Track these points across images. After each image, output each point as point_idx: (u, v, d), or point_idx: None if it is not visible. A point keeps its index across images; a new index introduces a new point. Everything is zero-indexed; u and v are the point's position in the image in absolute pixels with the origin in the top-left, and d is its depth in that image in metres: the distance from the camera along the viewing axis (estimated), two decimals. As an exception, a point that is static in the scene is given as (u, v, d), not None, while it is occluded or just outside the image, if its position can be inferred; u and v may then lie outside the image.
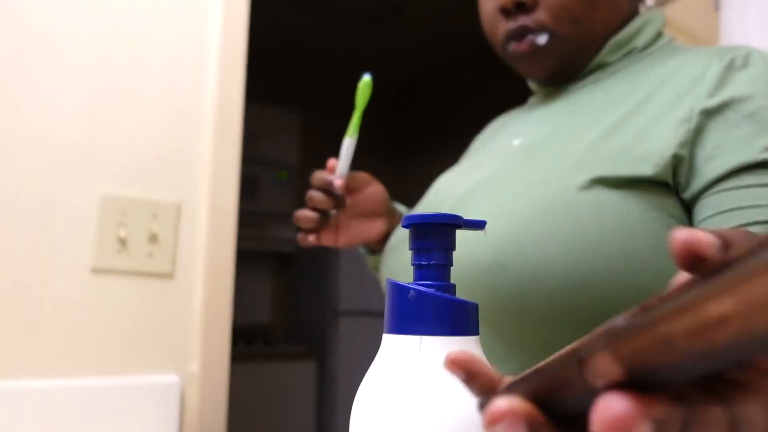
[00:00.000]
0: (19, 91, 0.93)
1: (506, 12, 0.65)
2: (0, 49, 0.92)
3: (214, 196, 1.05)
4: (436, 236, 0.32)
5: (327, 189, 0.68)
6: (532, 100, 0.78)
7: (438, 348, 0.30)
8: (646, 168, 0.53)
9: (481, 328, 0.56)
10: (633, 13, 0.69)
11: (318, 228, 0.70)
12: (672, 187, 0.54)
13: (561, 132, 0.61)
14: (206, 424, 1.00)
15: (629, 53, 0.67)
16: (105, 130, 0.99)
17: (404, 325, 0.30)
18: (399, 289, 0.31)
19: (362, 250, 0.85)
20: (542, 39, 0.64)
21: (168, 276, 1.01)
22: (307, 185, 0.97)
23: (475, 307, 0.31)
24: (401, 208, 0.84)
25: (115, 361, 0.95)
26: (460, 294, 0.55)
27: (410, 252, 0.33)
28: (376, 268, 0.83)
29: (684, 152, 0.53)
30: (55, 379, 0.90)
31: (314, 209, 0.70)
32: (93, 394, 0.91)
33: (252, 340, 2.99)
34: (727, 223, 0.50)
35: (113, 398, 0.92)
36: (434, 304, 0.30)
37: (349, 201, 0.71)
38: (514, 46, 0.66)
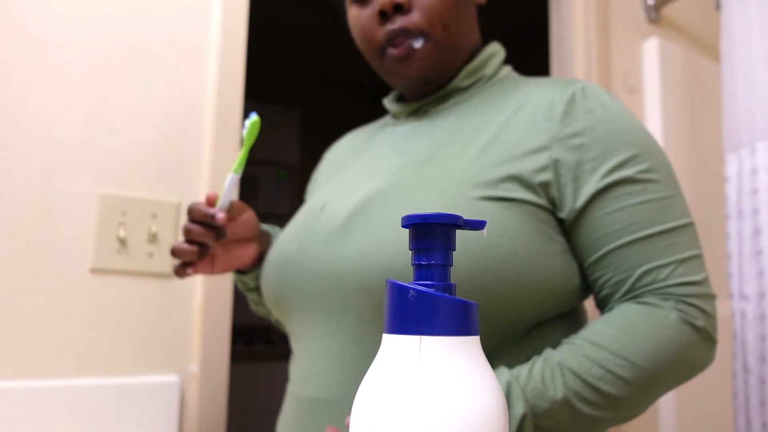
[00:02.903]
0: (19, 91, 0.93)
1: (384, 15, 0.71)
2: (0, 49, 0.92)
3: (214, 196, 1.05)
4: (436, 236, 0.32)
5: (207, 222, 0.70)
6: (387, 119, 0.85)
7: (438, 348, 0.30)
8: (519, 193, 0.63)
9: (372, 328, 0.63)
10: (480, 44, 0.80)
11: (195, 260, 0.71)
12: (545, 204, 0.64)
13: (444, 149, 0.68)
14: (206, 424, 1.00)
15: (478, 81, 0.76)
16: (105, 130, 0.99)
17: (404, 325, 0.30)
18: (399, 289, 0.31)
19: (235, 273, 0.87)
20: (418, 42, 0.70)
21: (168, 276, 1.01)
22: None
23: (475, 306, 0.31)
24: (270, 229, 0.87)
25: (115, 361, 0.95)
26: (369, 298, 0.62)
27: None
28: (248, 287, 0.86)
29: (548, 177, 0.64)
30: (55, 379, 0.90)
31: (192, 242, 0.71)
32: (93, 394, 0.91)
33: (252, 340, 2.99)
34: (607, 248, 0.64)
35: (113, 398, 0.92)
36: (434, 304, 0.30)
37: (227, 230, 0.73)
38: (391, 51, 0.71)
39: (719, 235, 1.60)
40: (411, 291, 0.30)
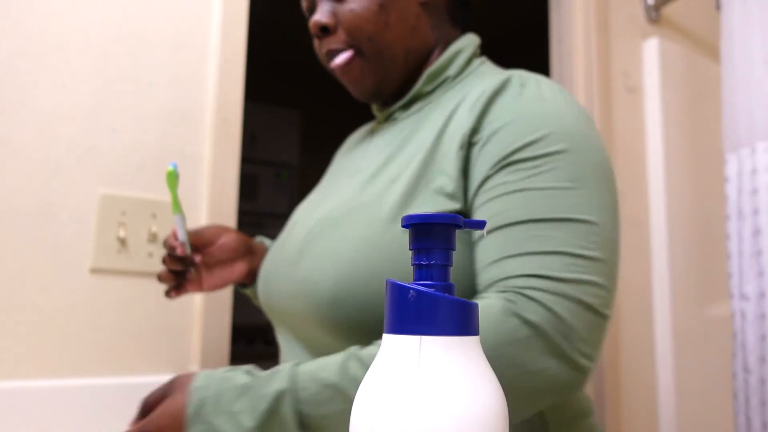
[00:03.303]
0: (19, 91, 0.93)
1: (318, 37, 0.75)
2: (0, 49, 0.92)
3: (214, 196, 1.05)
4: (436, 236, 0.32)
5: (172, 254, 0.77)
6: (375, 122, 0.86)
7: (438, 348, 0.30)
8: (447, 206, 0.61)
9: (293, 340, 0.67)
10: (446, 42, 0.77)
11: (179, 283, 0.79)
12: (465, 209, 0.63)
13: (386, 168, 0.69)
14: (206, 424, 1.00)
15: (443, 82, 0.74)
16: (105, 130, 0.99)
17: (404, 325, 0.30)
18: (399, 289, 0.31)
19: (238, 288, 0.93)
20: (346, 56, 0.72)
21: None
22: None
23: (475, 306, 0.31)
24: (268, 243, 0.92)
25: (115, 361, 0.95)
26: (299, 321, 0.64)
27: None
28: (254, 298, 0.92)
29: (467, 174, 0.62)
30: (55, 379, 0.90)
31: (171, 270, 0.78)
32: (93, 394, 0.91)
33: (252, 340, 2.99)
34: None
35: (113, 398, 0.92)
36: (434, 304, 0.30)
37: (205, 254, 0.80)
38: (330, 66, 0.75)
39: (719, 235, 1.60)
40: (411, 291, 0.30)
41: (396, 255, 0.60)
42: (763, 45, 1.28)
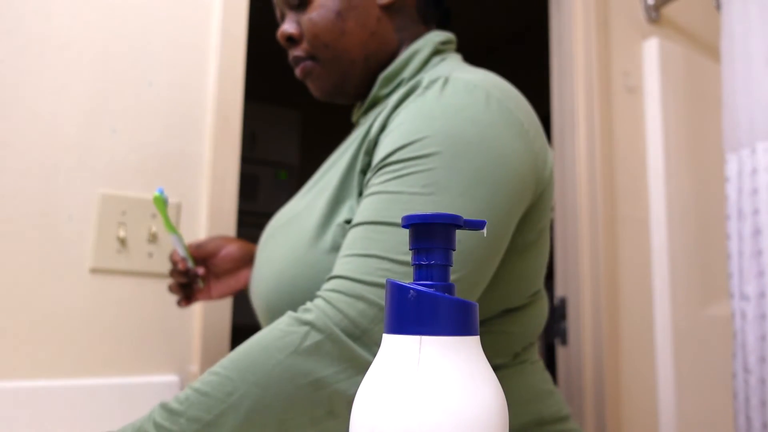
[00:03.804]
0: (19, 91, 0.93)
1: (285, 46, 0.79)
2: (0, 49, 0.92)
3: (214, 196, 1.05)
4: (436, 236, 0.32)
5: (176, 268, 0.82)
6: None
7: (438, 348, 0.30)
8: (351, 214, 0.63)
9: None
10: (401, 42, 0.78)
11: (188, 294, 0.85)
12: None
13: (326, 177, 0.72)
14: (206, 424, 1.00)
15: (399, 84, 0.74)
16: (105, 130, 0.98)
17: (404, 325, 0.30)
18: (399, 289, 0.31)
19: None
20: (308, 64, 0.77)
21: (168, 276, 1.01)
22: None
23: (475, 307, 0.31)
24: None
25: (115, 361, 0.95)
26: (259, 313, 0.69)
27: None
28: None
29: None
30: (55, 379, 0.90)
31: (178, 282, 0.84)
32: (93, 394, 0.91)
33: (252, 340, 2.99)
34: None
35: (113, 398, 0.92)
36: (434, 304, 0.30)
37: (209, 265, 0.86)
38: (296, 72, 0.80)
39: (719, 235, 1.60)
40: (411, 291, 0.30)
41: (318, 271, 0.62)
42: (763, 45, 1.28)
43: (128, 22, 1.03)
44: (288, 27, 0.77)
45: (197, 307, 1.03)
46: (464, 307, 0.31)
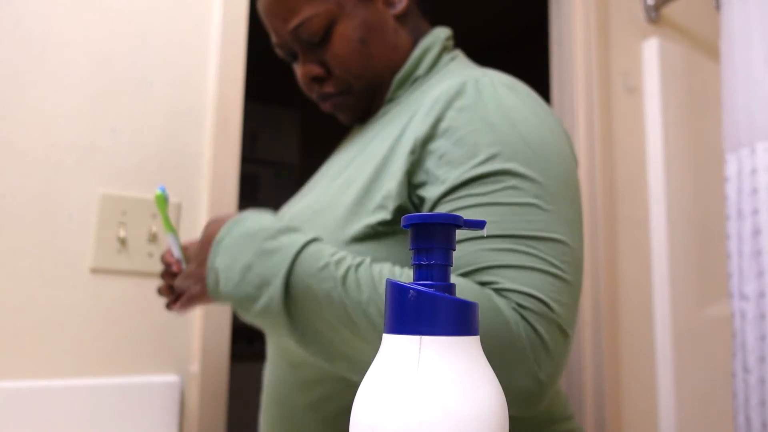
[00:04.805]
0: (19, 91, 0.93)
1: (309, 87, 0.77)
2: (0, 49, 0.92)
3: (214, 196, 1.05)
4: (436, 236, 0.32)
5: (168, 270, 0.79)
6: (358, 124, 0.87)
7: (438, 348, 0.30)
8: (385, 214, 0.61)
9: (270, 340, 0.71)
10: (415, 42, 0.77)
11: (178, 297, 0.81)
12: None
13: (346, 170, 0.70)
14: (206, 424, 1.00)
15: (414, 83, 0.74)
16: (105, 130, 0.99)
17: (404, 325, 0.30)
18: (399, 289, 0.31)
19: None
20: (337, 99, 0.76)
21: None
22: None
23: (475, 306, 0.31)
24: None
25: (115, 361, 0.95)
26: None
27: None
28: None
29: (415, 180, 0.61)
30: (55, 379, 0.90)
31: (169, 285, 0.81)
32: (93, 394, 0.91)
33: (252, 340, 2.99)
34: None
35: (113, 398, 0.92)
36: (434, 304, 0.30)
37: None
38: (323, 106, 0.79)
39: (719, 235, 1.60)
40: (411, 291, 0.30)
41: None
42: (763, 45, 1.28)
43: (128, 22, 1.03)
44: (312, 68, 0.74)
45: (197, 307, 1.03)
46: (464, 307, 0.31)
